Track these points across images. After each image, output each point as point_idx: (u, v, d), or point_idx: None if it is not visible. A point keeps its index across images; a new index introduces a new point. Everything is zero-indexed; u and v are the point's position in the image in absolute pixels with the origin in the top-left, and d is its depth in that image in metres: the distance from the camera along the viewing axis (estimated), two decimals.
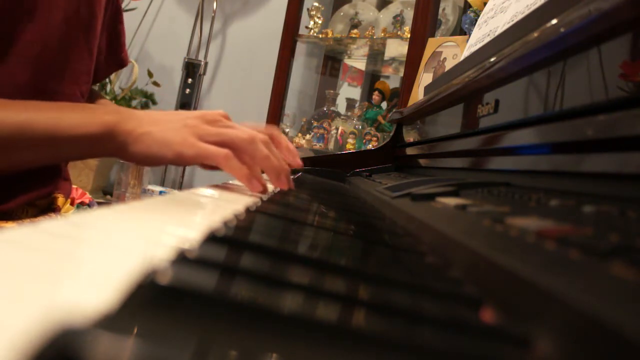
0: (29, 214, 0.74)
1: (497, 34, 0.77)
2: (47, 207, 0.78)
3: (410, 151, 1.04)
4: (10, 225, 0.70)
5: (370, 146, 1.95)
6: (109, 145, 0.57)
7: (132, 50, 2.72)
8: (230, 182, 0.72)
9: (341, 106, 2.37)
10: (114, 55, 0.89)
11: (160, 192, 2.35)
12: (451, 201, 0.39)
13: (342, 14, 2.36)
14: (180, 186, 2.65)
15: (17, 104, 0.57)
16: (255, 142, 0.57)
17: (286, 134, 2.29)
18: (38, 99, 0.60)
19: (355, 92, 2.66)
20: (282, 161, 0.60)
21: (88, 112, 0.59)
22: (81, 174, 2.34)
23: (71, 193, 0.87)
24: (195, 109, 2.56)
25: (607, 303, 0.15)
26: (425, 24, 1.78)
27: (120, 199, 2.35)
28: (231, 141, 0.57)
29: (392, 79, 2.49)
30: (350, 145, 2.07)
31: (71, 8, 0.72)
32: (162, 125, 0.57)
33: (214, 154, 0.55)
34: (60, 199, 0.80)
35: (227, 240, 0.22)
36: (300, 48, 2.42)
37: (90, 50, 0.78)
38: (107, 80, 2.46)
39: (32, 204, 0.75)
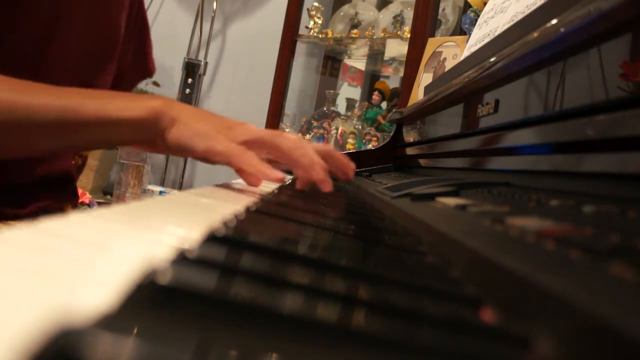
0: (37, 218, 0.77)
1: (497, 34, 0.77)
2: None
3: (410, 151, 1.04)
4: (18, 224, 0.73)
5: (370, 146, 1.95)
6: (151, 130, 0.59)
7: None
8: (234, 181, 0.72)
9: (341, 106, 2.37)
10: (139, 66, 0.93)
11: (160, 192, 2.35)
12: (451, 201, 0.39)
13: (342, 14, 2.36)
14: (180, 186, 2.65)
15: (66, 89, 0.60)
16: (282, 135, 0.60)
17: None
18: None
19: (355, 92, 2.66)
20: (316, 156, 0.61)
21: (134, 98, 0.62)
22: (81, 174, 2.34)
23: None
24: None
25: (607, 303, 0.15)
26: (425, 24, 1.78)
27: (120, 199, 2.35)
28: (259, 138, 0.59)
29: (392, 79, 2.49)
30: (350, 145, 2.07)
31: (96, 22, 0.74)
32: (200, 120, 0.60)
33: (238, 154, 0.57)
34: (68, 208, 0.83)
35: (227, 240, 0.22)
36: (300, 48, 2.42)
37: (112, 62, 0.80)
38: None
39: (44, 210, 0.78)
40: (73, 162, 0.83)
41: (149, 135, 0.60)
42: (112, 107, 0.59)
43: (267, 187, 0.71)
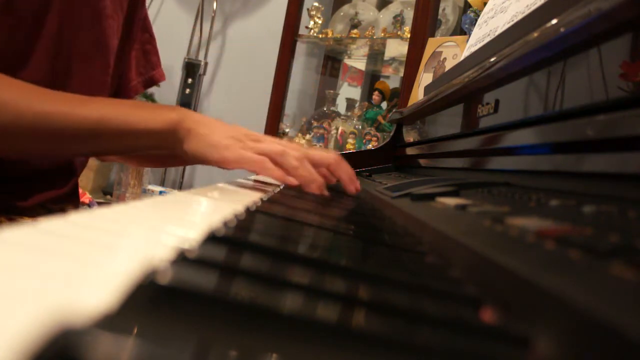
0: (39, 214, 0.78)
1: (497, 34, 0.77)
2: (58, 212, 0.81)
3: (410, 151, 1.04)
4: (26, 220, 0.73)
5: (370, 146, 1.95)
6: (170, 140, 0.65)
7: None
8: (239, 179, 0.73)
9: (341, 106, 2.37)
10: (145, 74, 0.96)
11: (160, 192, 2.35)
12: (451, 201, 0.39)
13: (342, 14, 2.35)
14: (180, 186, 2.65)
15: (97, 100, 0.66)
16: (285, 154, 0.64)
17: (286, 134, 2.29)
18: None
19: (355, 92, 2.66)
20: (314, 174, 0.65)
21: (155, 110, 0.68)
22: (81, 174, 2.34)
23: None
24: (195, 109, 2.56)
25: (607, 303, 0.15)
26: (425, 24, 1.78)
27: (120, 199, 2.35)
28: (265, 153, 0.64)
29: (392, 79, 2.49)
30: (350, 145, 2.06)
31: (85, 21, 0.75)
32: (215, 131, 0.65)
33: (252, 159, 0.63)
34: (71, 210, 0.83)
35: (227, 240, 0.22)
36: (300, 48, 2.42)
37: (105, 64, 0.81)
38: None
39: (45, 206, 0.79)
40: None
41: (169, 144, 0.65)
42: (137, 118, 0.64)
43: (268, 187, 0.71)
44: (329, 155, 0.69)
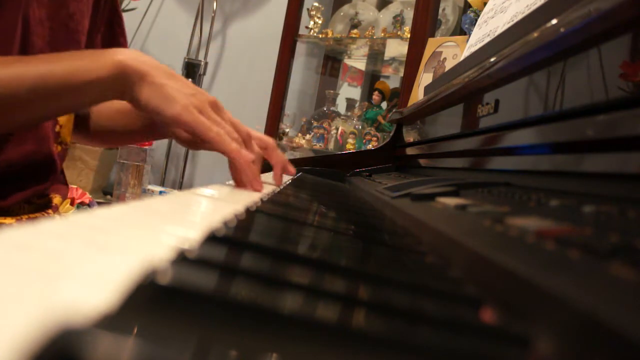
0: (25, 210, 0.75)
1: (497, 34, 0.77)
2: (44, 205, 0.79)
3: (410, 151, 1.04)
4: (9, 221, 0.71)
5: (370, 146, 1.95)
6: (119, 85, 0.58)
7: None
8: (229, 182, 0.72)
9: (341, 106, 2.37)
10: None
11: (160, 192, 2.35)
12: (451, 201, 0.39)
13: (342, 14, 2.36)
14: (180, 186, 2.65)
15: (34, 58, 0.59)
16: (219, 108, 0.60)
17: (286, 134, 2.29)
18: None
19: (355, 92, 2.66)
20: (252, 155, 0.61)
21: (98, 55, 0.60)
22: (81, 174, 2.34)
23: (70, 193, 0.87)
24: None
25: (607, 303, 0.15)
26: (425, 24, 1.78)
27: (120, 199, 2.35)
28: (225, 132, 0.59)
29: (392, 79, 2.49)
30: (350, 145, 2.07)
31: (56, 2, 0.73)
32: (176, 84, 0.58)
33: (207, 127, 0.57)
34: (57, 199, 0.81)
35: (227, 240, 0.22)
36: (300, 48, 2.42)
37: (78, 46, 0.78)
38: None
39: (29, 201, 0.76)
40: (54, 149, 0.79)
41: (119, 91, 0.58)
42: (78, 69, 0.57)
43: (267, 187, 0.71)
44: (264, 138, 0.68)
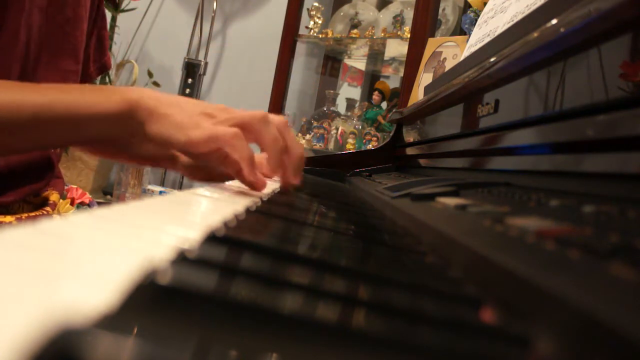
0: (24, 209, 0.76)
1: (497, 34, 0.77)
2: (42, 204, 0.79)
3: (410, 151, 1.04)
4: (9, 219, 0.71)
5: (370, 146, 1.95)
6: (129, 123, 0.56)
7: (132, 50, 2.73)
8: (228, 183, 0.72)
9: (341, 106, 2.37)
10: (99, 61, 0.92)
11: (160, 192, 2.35)
12: (451, 201, 0.39)
13: (342, 14, 2.36)
14: (180, 186, 2.65)
15: (40, 86, 0.57)
16: (267, 121, 0.56)
17: None
18: None
19: (355, 92, 2.66)
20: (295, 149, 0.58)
21: (109, 91, 0.58)
22: (81, 174, 2.34)
23: (70, 193, 0.88)
24: None
25: (607, 303, 0.15)
26: (425, 24, 1.78)
27: (120, 199, 2.35)
28: (242, 121, 0.56)
29: (392, 79, 2.49)
30: (350, 145, 2.07)
31: (54, 7, 0.73)
32: (180, 109, 0.56)
33: (223, 133, 0.54)
34: (54, 196, 0.81)
35: (227, 240, 0.22)
36: (300, 48, 2.42)
37: (76, 50, 0.79)
38: (107, 80, 2.46)
39: (26, 200, 0.77)
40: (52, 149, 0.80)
41: (127, 128, 0.56)
42: (86, 101, 0.55)
43: (267, 187, 0.71)
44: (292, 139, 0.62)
